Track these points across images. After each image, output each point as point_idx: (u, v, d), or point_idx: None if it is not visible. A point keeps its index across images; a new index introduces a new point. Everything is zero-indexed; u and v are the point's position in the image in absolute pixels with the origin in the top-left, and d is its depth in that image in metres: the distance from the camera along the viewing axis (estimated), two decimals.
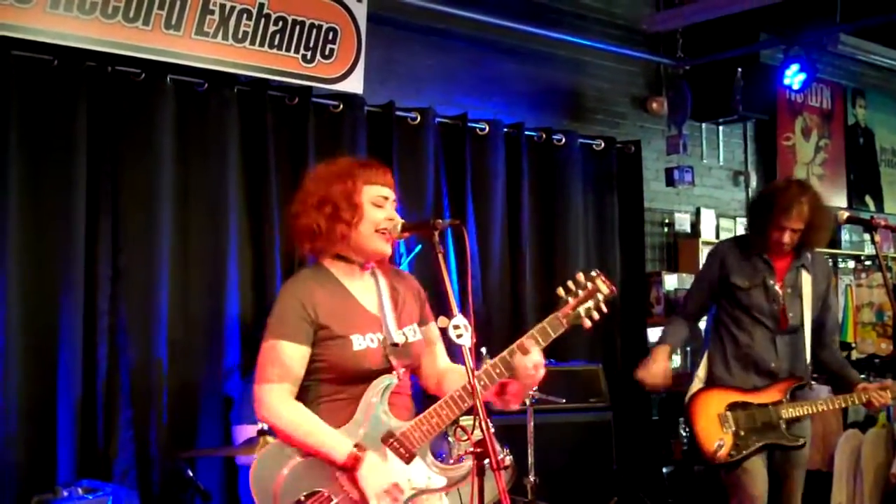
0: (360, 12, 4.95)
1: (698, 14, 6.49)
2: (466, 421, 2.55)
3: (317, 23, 4.81)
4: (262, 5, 4.60)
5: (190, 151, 4.54)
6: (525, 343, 2.55)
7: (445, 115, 5.52)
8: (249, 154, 4.71)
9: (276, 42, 4.67)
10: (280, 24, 4.67)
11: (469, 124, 5.57)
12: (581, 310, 2.57)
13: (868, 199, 8.88)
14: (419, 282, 2.87)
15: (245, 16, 4.54)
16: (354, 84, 4.97)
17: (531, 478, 4.60)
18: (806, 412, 3.94)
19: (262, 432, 3.64)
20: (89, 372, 4.13)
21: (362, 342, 2.58)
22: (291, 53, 4.73)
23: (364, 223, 2.60)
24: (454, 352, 2.62)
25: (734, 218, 7.58)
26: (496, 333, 5.37)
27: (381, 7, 5.21)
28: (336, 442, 2.50)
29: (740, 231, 7.26)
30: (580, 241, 6.05)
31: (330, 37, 4.86)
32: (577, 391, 5.20)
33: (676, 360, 6.16)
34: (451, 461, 3.65)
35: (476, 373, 2.42)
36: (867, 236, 3.77)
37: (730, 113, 6.94)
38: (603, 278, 2.61)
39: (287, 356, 2.54)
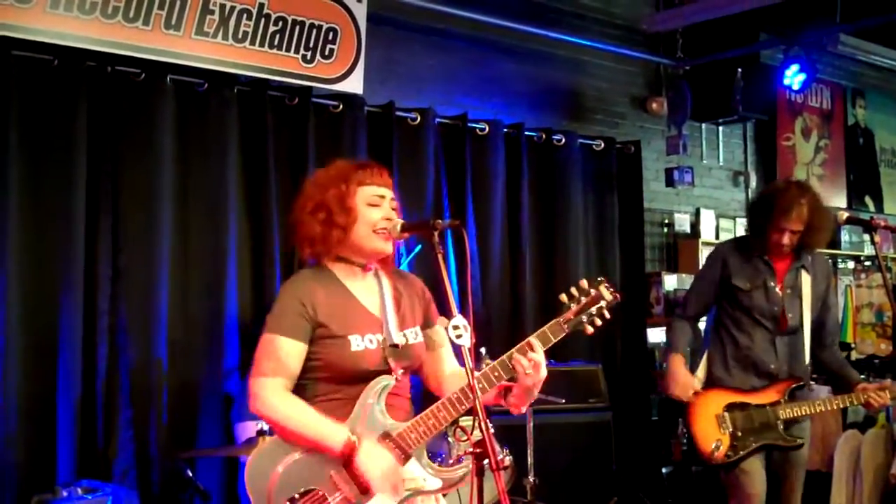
0: (360, 12, 4.95)
1: (698, 14, 6.49)
2: (466, 421, 2.56)
3: (317, 23, 4.81)
4: (262, 5, 4.60)
5: (190, 151, 4.54)
6: (524, 346, 2.55)
7: (445, 115, 5.52)
8: (249, 154, 4.71)
9: (276, 42, 4.67)
10: (280, 24, 4.68)
11: (469, 124, 5.57)
12: (583, 316, 2.57)
13: (868, 199, 8.88)
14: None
15: (245, 16, 4.55)
16: (354, 84, 4.97)
17: (531, 478, 4.60)
18: (804, 413, 3.94)
19: (261, 432, 3.64)
20: (89, 372, 4.13)
21: (361, 342, 2.58)
22: (291, 53, 4.73)
23: (360, 224, 2.61)
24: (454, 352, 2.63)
25: (734, 218, 7.58)
26: (496, 333, 5.38)
27: (381, 7, 5.21)
28: (332, 431, 2.49)
29: (740, 231, 7.27)
30: (580, 242, 6.05)
31: (330, 37, 4.86)
32: (576, 391, 5.20)
33: None
34: (451, 461, 3.66)
35: (475, 375, 2.42)
36: (867, 237, 3.78)
37: (730, 113, 6.94)
38: (607, 285, 2.60)
39: (283, 351, 2.55)
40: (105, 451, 4.13)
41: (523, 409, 2.66)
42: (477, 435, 2.37)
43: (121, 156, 4.31)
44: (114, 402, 4.18)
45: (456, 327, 2.38)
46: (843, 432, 5.67)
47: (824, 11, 6.47)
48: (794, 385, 3.98)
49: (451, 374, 2.77)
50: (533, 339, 2.55)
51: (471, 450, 2.41)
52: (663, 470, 6.05)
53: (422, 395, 2.92)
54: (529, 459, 4.62)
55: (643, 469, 5.94)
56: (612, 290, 2.60)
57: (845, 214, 3.58)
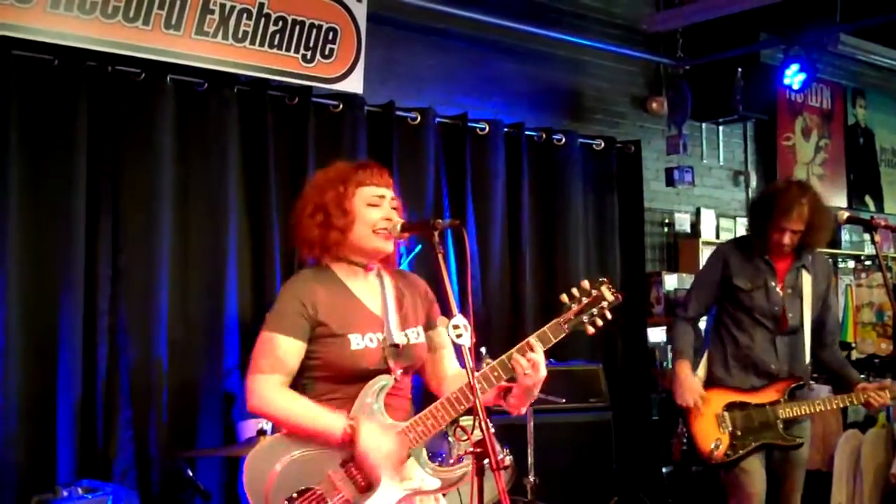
0: (360, 12, 4.95)
1: (698, 14, 6.48)
2: (466, 421, 2.56)
3: (317, 23, 4.81)
4: (262, 5, 4.60)
5: (190, 151, 4.54)
6: (524, 346, 2.55)
7: (445, 115, 5.52)
8: (249, 154, 4.71)
9: (276, 42, 4.67)
10: (280, 23, 4.67)
11: (469, 124, 5.56)
12: (584, 316, 2.56)
13: (868, 199, 8.88)
14: None
15: (245, 16, 4.55)
16: (354, 84, 4.97)
17: (531, 478, 4.60)
18: (803, 412, 3.94)
19: (261, 432, 3.65)
20: (89, 372, 4.12)
21: (361, 342, 2.58)
22: (291, 53, 4.73)
23: (359, 225, 2.61)
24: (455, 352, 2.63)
25: (734, 218, 7.58)
26: (496, 333, 5.38)
27: (381, 7, 5.21)
28: (330, 419, 2.50)
29: (740, 231, 7.26)
30: (580, 241, 6.05)
31: (330, 37, 4.86)
32: (576, 391, 5.20)
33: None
34: (451, 461, 3.65)
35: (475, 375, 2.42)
36: (867, 236, 3.77)
37: (730, 113, 6.94)
38: (609, 286, 2.59)
39: (281, 349, 2.56)
40: (105, 450, 4.13)
41: (523, 411, 2.66)
42: (477, 434, 2.37)
43: (121, 156, 4.31)
44: (114, 402, 4.18)
45: (456, 327, 2.38)
46: (844, 432, 5.67)
47: (824, 11, 6.46)
48: (793, 385, 3.99)
49: (452, 375, 2.77)
50: (532, 339, 2.54)
51: (471, 449, 2.41)
52: (663, 470, 6.05)
53: (422, 396, 2.92)
54: (529, 459, 4.62)
55: (643, 469, 5.94)
56: (613, 290, 2.59)
57: (845, 214, 3.58)
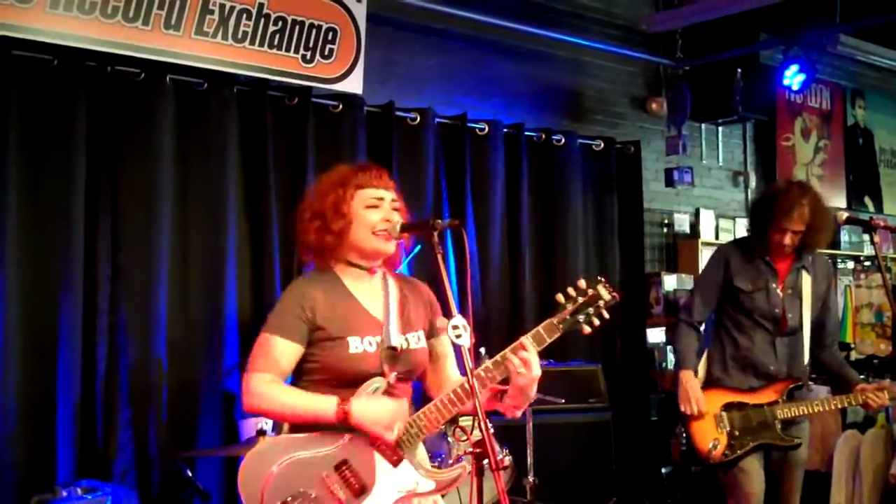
0: (360, 12, 4.95)
1: (698, 14, 6.49)
2: (466, 421, 2.56)
3: (316, 23, 4.81)
4: (261, 5, 4.60)
5: (189, 151, 4.54)
6: (516, 346, 2.53)
7: (445, 115, 5.52)
8: (249, 154, 4.71)
9: (276, 42, 4.67)
10: (280, 24, 4.67)
11: (469, 124, 5.57)
12: (580, 316, 2.53)
13: (867, 199, 8.89)
14: None
15: (245, 16, 4.55)
16: (354, 84, 4.97)
17: (530, 478, 4.60)
18: (801, 413, 3.94)
19: (261, 432, 3.65)
20: (88, 372, 4.13)
21: (360, 345, 2.58)
22: (291, 53, 4.73)
23: (358, 227, 2.62)
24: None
25: (734, 218, 7.58)
26: (495, 334, 5.37)
27: (381, 7, 5.21)
28: (323, 401, 2.52)
29: (740, 231, 7.27)
30: (580, 242, 6.05)
31: (329, 37, 4.86)
32: (576, 391, 5.20)
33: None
34: (451, 461, 3.66)
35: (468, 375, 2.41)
36: (866, 237, 3.78)
37: (729, 113, 6.94)
38: (605, 285, 2.55)
39: (278, 351, 2.57)
40: (105, 450, 4.13)
41: (518, 414, 2.63)
42: (476, 435, 2.37)
43: (120, 156, 4.31)
44: (113, 402, 4.18)
45: (455, 327, 2.38)
46: (843, 432, 5.67)
47: (824, 11, 6.46)
48: (792, 385, 3.99)
49: (452, 383, 2.76)
50: (526, 338, 2.52)
51: (470, 450, 2.41)
52: (663, 470, 6.05)
53: (421, 401, 2.92)
54: (529, 459, 4.62)
55: (642, 469, 5.94)
56: (610, 289, 2.56)
57: (845, 215, 3.59)
